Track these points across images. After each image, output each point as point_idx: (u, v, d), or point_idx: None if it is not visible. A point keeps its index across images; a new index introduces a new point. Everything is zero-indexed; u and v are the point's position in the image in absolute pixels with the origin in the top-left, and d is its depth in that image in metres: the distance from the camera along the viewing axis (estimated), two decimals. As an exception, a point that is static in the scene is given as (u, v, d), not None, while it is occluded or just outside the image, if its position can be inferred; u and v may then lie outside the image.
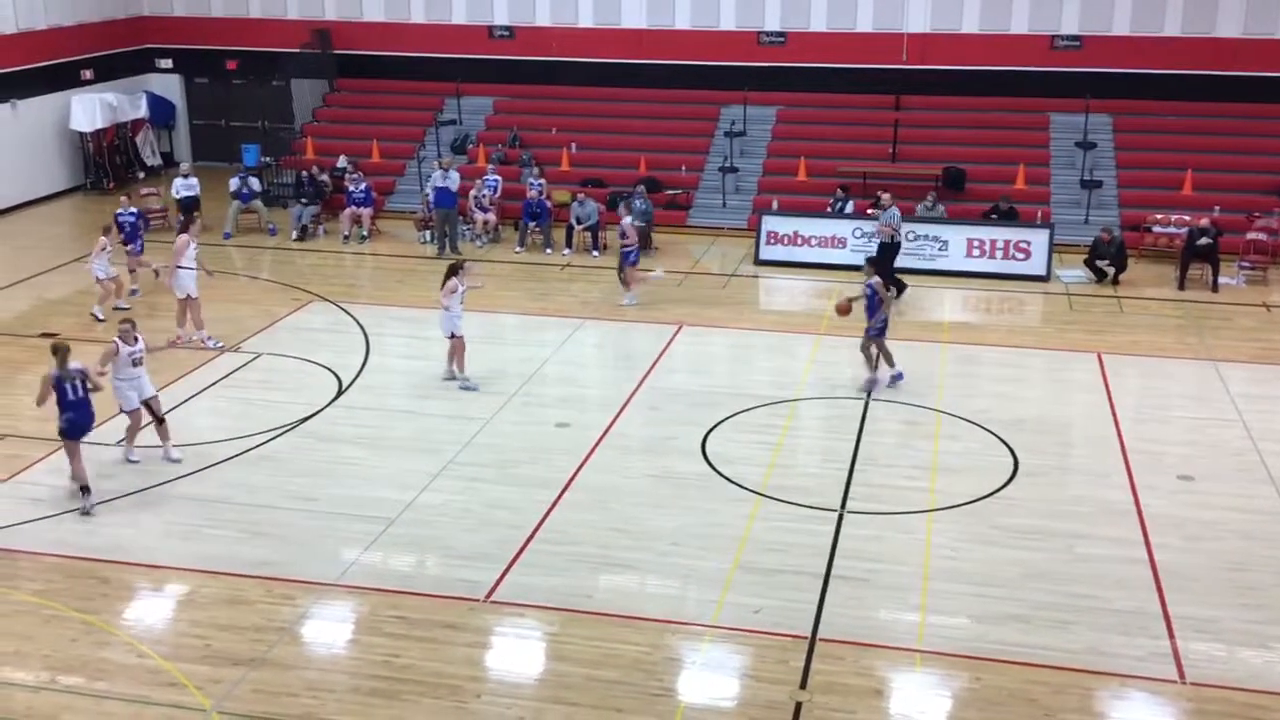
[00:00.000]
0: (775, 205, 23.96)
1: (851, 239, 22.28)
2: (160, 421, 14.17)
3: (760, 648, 10.68)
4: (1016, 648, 10.63)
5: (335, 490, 13.56)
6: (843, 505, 13.24)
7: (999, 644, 10.69)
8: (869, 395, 16.17)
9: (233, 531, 12.67)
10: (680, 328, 18.87)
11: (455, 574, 11.85)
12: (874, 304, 16.16)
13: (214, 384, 16.67)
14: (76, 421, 12.96)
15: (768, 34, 27.32)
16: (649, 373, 17.09)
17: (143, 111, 29.45)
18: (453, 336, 16.39)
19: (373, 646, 10.72)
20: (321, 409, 15.80)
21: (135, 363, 13.97)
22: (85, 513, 12.96)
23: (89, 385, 13.11)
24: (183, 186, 24.49)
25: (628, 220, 19.93)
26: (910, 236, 22.14)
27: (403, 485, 13.60)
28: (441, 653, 10.57)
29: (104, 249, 19.09)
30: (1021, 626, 10.95)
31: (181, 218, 24.21)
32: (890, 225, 20.47)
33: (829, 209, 23.30)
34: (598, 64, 28.03)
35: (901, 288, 20.24)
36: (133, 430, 14.18)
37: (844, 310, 16.45)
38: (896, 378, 16.45)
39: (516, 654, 10.82)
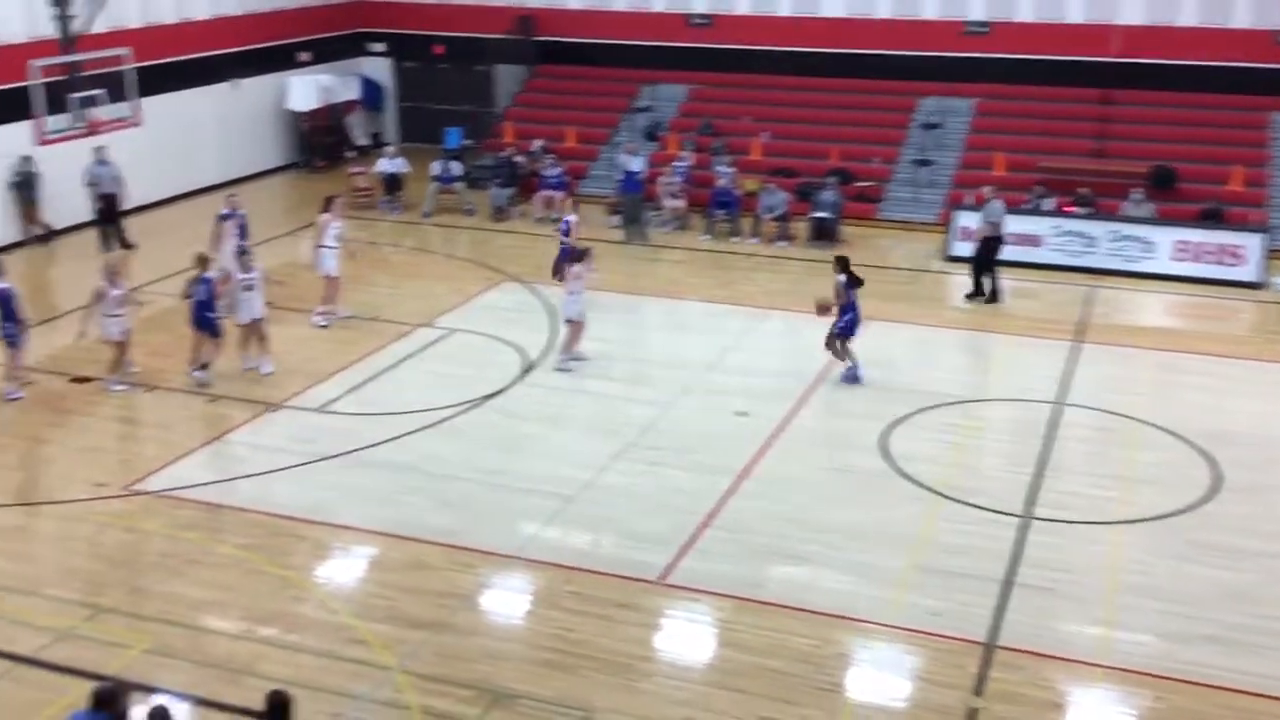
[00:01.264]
0: (970, 200, 23.36)
1: (1050, 237, 21.62)
2: (123, 352, 16.17)
3: (933, 650, 10.51)
4: (1207, 669, 10.17)
5: (518, 465, 13.93)
6: (1028, 511, 12.88)
7: (1188, 664, 10.25)
8: (856, 382, 16.05)
9: (421, 499, 13.16)
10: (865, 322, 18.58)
11: (630, 555, 12.03)
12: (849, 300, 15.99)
13: (410, 356, 17.31)
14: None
15: (972, 24, 26.62)
16: (831, 365, 16.95)
17: (355, 93, 30.66)
18: (570, 322, 16.59)
19: (548, 619, 10.99)
20: (508, 386, 16.24)
21: (119, 302, 15.94)
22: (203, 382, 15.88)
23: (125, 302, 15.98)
24: (387, 164, 25.57)
25: (573, 217, 19.70)
26: (1114, 237, 21.35)
27: (583, 464, 13.86)
28: (614, 631, 10.76)
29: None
30: (1213, 648, 10.46)
31: (385, 190, 25.43)
32: (992, 221, 19.70)
33: (1025, 205, 22.59)
34: (793, 52, 27.81)
35: (996, 296, 19.59)
36: (116, 360, 16.01)
37: (824, 309, 16.17)
38: (850, 377, 16.15)
39: (687, 637, 10.93)
